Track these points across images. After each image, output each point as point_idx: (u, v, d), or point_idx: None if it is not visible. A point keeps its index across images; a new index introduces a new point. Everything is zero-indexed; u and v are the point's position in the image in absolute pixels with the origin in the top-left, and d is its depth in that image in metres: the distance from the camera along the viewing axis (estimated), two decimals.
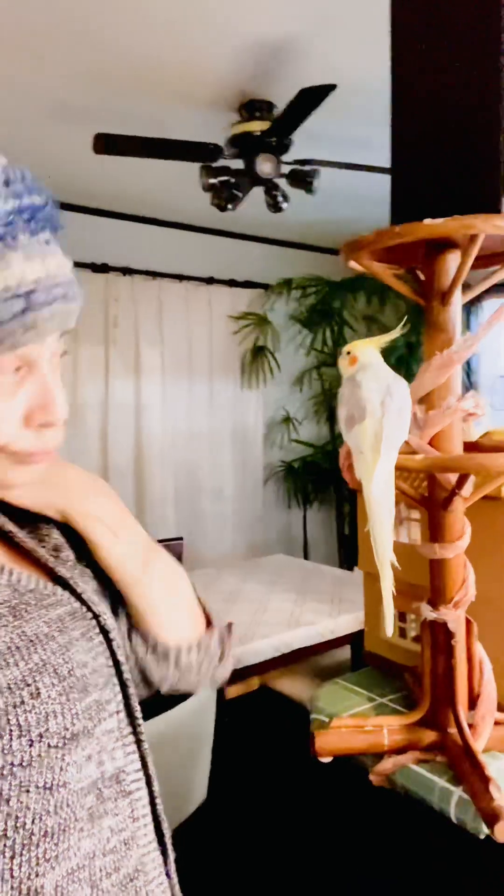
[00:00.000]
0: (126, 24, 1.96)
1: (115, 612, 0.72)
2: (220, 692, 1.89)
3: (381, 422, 0.76)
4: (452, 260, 0.84)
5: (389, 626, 0.80)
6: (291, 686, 2.58)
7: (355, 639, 2.49)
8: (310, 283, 4.13)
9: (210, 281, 4.01)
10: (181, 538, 3.23)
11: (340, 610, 2.54)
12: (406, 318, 0.86)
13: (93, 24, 1.95)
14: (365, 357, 0.81)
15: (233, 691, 2.40)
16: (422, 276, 0.90)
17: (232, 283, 4.10)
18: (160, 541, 0.74)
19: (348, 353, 0.82)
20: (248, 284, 4.16)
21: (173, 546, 3.28)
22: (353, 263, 0.89)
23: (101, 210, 3.57)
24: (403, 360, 3.66)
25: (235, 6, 1.90)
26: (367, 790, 1.01)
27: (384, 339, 0.80)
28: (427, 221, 0.77)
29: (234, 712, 2.32)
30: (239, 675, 2.23)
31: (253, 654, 2.23)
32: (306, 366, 4.37)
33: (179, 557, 3.26)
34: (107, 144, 2.35)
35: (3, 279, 0.49)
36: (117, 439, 3.73)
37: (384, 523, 0.77)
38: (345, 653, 2.73)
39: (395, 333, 0.80)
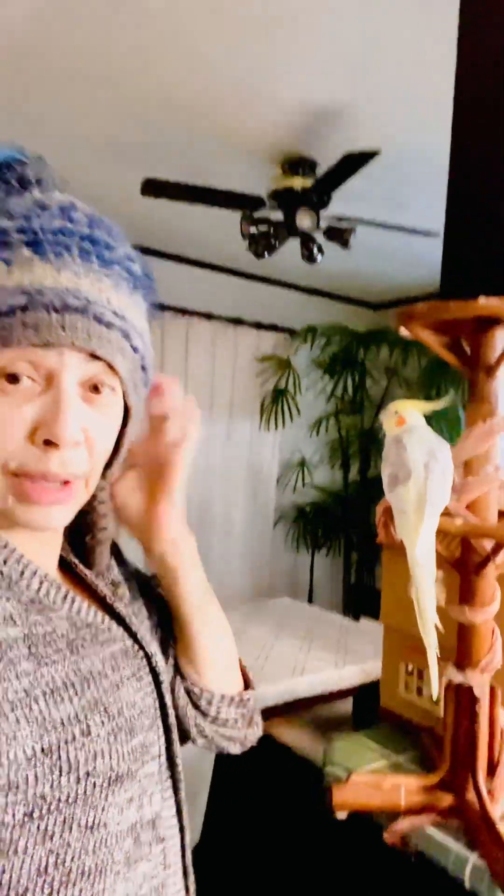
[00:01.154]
0: (181, 75, 2.06)
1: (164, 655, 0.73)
2: None
3: (426, 484, 0.79)
4: (500, 336, 0.88)
5: (435, 690, 0.80)
6: (292, 736, 2.54)
7: (359, 692, 2.46)
8: (334, 332, 4.21)
9: (237, 322, 4.10)
10: None
11: (346, 660, 2.52)
12: (454, 389, 0.88)
13: (147, 72, 2.05)
14: (412, 419, 0.84)
15: None
16: (467, 348, 0.94)
17: (259, 325, 4.19)
18: None
19: (396, 412, 0.85)
20: (274, 328, 4.25)
21: None
22: (403, 330, 0.93)
23: (136, 246, 3.66)
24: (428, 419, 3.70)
25: (289, 68, 2.00)
26: (370, 849, 1.00)
27: (432, 406, 0.84)
28: (482, 301, 0.81)
29: (232, 757, 2.29)
30: None
31: (256, 700, 2.21)
32: (325, 412, 4.42)
33: None
34: (155, 189, 2.45)
35: (19, 279, 0.49)
36: None
37: (428, 585, 0.79)
38: (346, 705, 2.69)
39: (444, 403, 0.83)
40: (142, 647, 0.64)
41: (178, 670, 0.73)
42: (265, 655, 2.54)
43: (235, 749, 0.82)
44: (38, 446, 0.51)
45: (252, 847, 2.25)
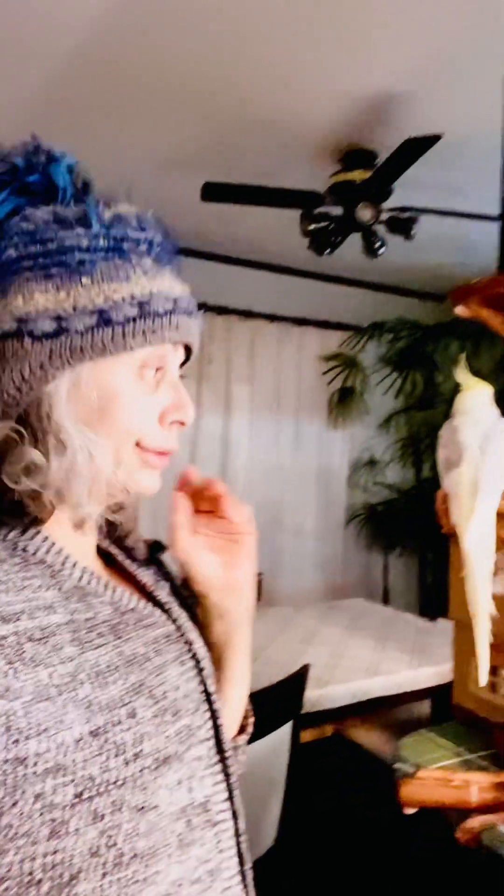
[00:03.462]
0: (238, 80, 2.08)
1: None
2: (296, 737, 1.86)
3: (480, 468, 0.75)
4: None
5: (483, 677, 0.78)
6: (367, 737, 2.51)
7: (437, 693, 2.39)
8: (401, 327, 4.13)
9: (302, 322, 4.08)
10: (261, 573, 3.24)
11: (421, 661, 2.46)
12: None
13: (203, 76, 2.08)
14: (464, 401, 0.81)
15: (306, 736, 2.36)
16: None
17: (324, 324, 4.16)
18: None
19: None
20: (339, 326, 4.21)
21: None
22: (459, 308, 0.90)
23: (200, 252, 3.73)
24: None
25: (343, 61, 1.98)
26: (443, 848, 0.97)
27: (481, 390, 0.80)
28: None
29: (307, 758, 2.28)
30: (313, 719, 2.18)
31: (329, 699, 2.18)
32: (394, 408, 4.34)
33: (258, 593, 3.27)
34: (214, 192, 2.48)
35: (127, 289, 0.56)
36: (204, 472, 3.80)
37: (481, 571, 0.76)
38: (423, 708, 2.62)
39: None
40: (182, 634, 0.65)
41: None
42: (339, 654, 2.51)
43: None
44: (165, 427, 0.60)
45: (326, 847, 2.23)
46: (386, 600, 4.26)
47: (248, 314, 3.89)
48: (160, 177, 2.80)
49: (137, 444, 0.60)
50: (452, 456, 0.77)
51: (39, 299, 0.54)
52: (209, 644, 0.69)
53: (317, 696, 2.14)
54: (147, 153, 2.60)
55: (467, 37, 1.82)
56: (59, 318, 0.54)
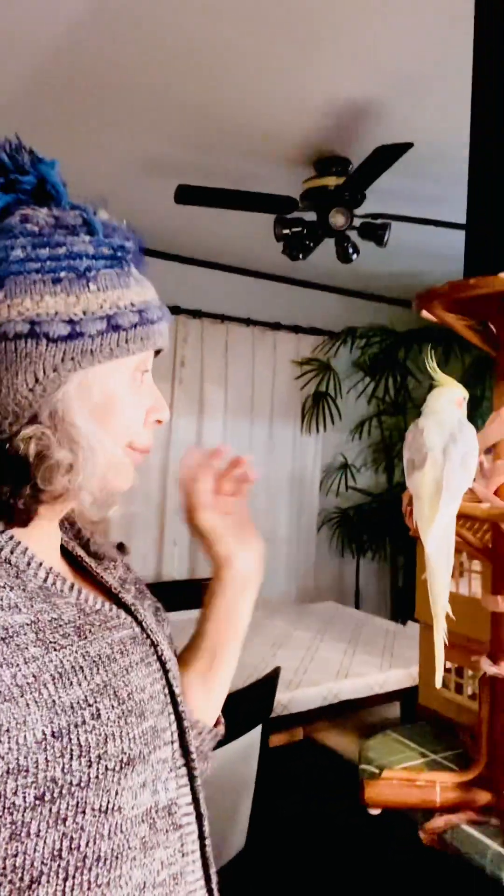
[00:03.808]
0: (213, 85, 2.09)
1: None
2: (266, 740, 1.85)
3: (442, 470, 0.76)
4: None
5: (439, 678, 0.79)
6: (337, 740, 2.52)
7: (406, 696, 2.41)
8: (374, 333, 4.17)
9: (276, 326, 4.10)
10: None
11: (392, 664, 2.47)
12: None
13: (176, 82, 2.08)
14: (431, 402, 0.82)
15: (276, 740, 2.35)
16: (493, 329, 0.92)
17: (297, 329, 4.18)
18: (211, 579, 0.79)
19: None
20: (313, 331, 4.24)
21: None
22: (425, 313, 0.91)
23: (175, 255, 3.73)
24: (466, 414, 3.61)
25: (317, 69, 2.00)
26: (413, 848, 0.97)
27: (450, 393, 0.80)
28: (502, 275, 0.79)
29: (276, 762, 2.28)
30: (284, 722, 2.19)
31: (299, 703, 2.19)
32: (367, 414, 4.37)
33: None
34: (188, 195, 2.47)
35: (128, 296, 0.58)
36: (177, 476, 3.80)
37: (441, 573, 0.76)
38: (393, 710, 2.64)
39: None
40: (149, 636, 0.65)
41: None
42: (310, 658, 2.52)
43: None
44: (148, 426, 0.64)
45: (297, 851, 2.23)
46: (357, 604, 4.29)
47: (222, 318, 3.89)
48: (136, 180, 2.79)
49: (128, 444, 0.63)
50: (416, 457, 0.77)
51: (49, 301, 0.55)
52: (212, 615, 0.76)
53: (287, 699, 2.14)
54: (123, 156, 2.59)
55: (437, 48, 1.85)
56: (71, 322, 0.55)
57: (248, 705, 1.73)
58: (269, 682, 1.82)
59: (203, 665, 0.75)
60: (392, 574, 4.35)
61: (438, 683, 0.79)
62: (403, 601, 4.15)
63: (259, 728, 1.81)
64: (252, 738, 1.79)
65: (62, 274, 0.55)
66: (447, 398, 0.81)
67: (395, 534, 4.23)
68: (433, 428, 0.77)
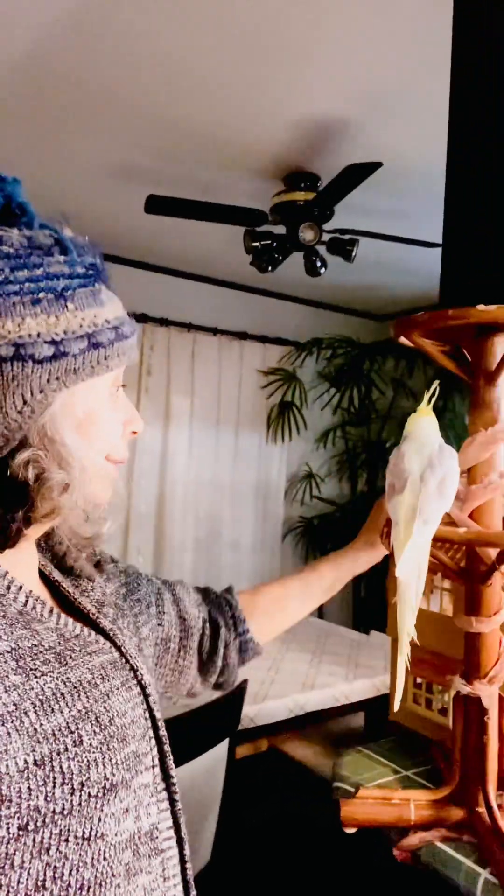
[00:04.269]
0: (185, 97, 2.09)
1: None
2: (232, 754, 1.85)
3: (419, 496, 0.77)
4: (500, 342, 0.88)
5: (397, 701, 0.81)
6: (301, 750, 2.52)
7: (370, 706, 2.44)
8: (340, 344, 4.22)
9: (243, 336, 4.11)
10: None
11: (357, 674, 2.50)
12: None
13: (147, 93, 2.08)
14: (411, 426, 0.83)
15: (241, 751, 2.35)
16: (468, 356, 0.94)
17: (264, 339, 4.21)
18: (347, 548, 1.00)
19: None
20: (279, 341, 4.26)
21: None
22: (402, 339, 0.93)
23: (143, 263, 3.71)
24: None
25: (290, 85, 2.02)
26: (380, 865, 0.99)
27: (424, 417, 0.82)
28: (480, 307, 0.81)
29: (241, 773, 2.27)
30: (250, 735, 2.19)
31: (266, 715, 2.19)
32: (331, 424, 4.42)
33: None
34: (158, 206, 2.47)
35: (104, 314, 0.59)
36: (142, 484, 3.77)
37: (409, 598, 0.78)
38: (357, 720, 2.66)
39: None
40: (128, 661, 0.65)
41: (237, 625, 0.89)
42: (276, 669, 2.52)
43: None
44: (124, 438, 0.67)
45: (263, 863, 2.22)
46: (320, 613, 4.32)
47: (189, 326, 3.89)
48: (106, 188, 2.77)
49: (106, 457, 0.64)
50: (397, 482, 0.79)
51: (31, 323, 0.54)
52: (335, 564, 1.00)
53: (254, 713, 2.14)
54: (93, 164, 2.57)
55: (406, 69, 1.89)
56: (55, 342, 0.55)
57: (216, 719, 1.73)
58: (236, 696, 1.82)
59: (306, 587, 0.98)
60: (355, 584, 4.39)
61: (396, 706, 0.80)
62: (366, 611, 4.20)
63: (226, 742, 1.81)
64: (219, 752, 1.79)
65: (41, 295, 0.55)
66: (426, 422, 0.83)
67: None
68: (413, 453, 0.79)
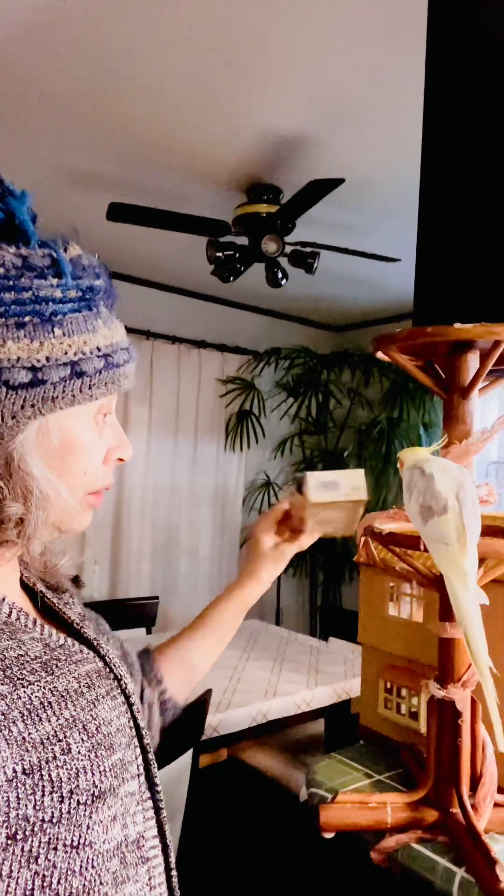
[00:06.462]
0: (148, 105, 2.10)
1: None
2: (196, 764, 1.85)
3: (461, 515, 0.77)
4: (473, 359, 0.91)
5: (500, 741, 0.70)
6: (260, 758, 2.53)
7: (331, 712, 2.46)
8: (298, 354, 4.27)
9: (202, 344, 4.12)
10: (157, 598, 3.20)
11: (318, 681, 2.53)
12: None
13: (113, 103, 2.08)
14: (417, 454, 0.84)
15: (202, 761, 2.34)
16: (441, 371, 0.98)
17: (223, 347, 4.23)
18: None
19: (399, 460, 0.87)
20: (238, 350, 4.29)
21: (148, 605, 3.23)
22: (380, 354, 0.96)
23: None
24: (384, 435, 3.77)
25: (254, 99, 2.05)
26: (356, 868, 1.00)
27: (429, 449, 0.85)
28: (457, 326, 0.84)
29: (206, 782, 2.26)
30: (210, 745, 2.18)
31: (229, 724, 2.19)
32: (289, 432, 4.46)
33: (153, 617, 3.22)
34: (120, 213, 2.46)
35: (95, 341, 0.58)
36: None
37: (479, 621, 0.75)
38: (317, 727, 2.69)
39: (437, 447, 0.85)
40: (112, 670, 0.66)
41: (158, 684, 0.85)
42: (237, 677, 2.52)
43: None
44: (108, 465, 0.65)
45: (227, 871, 2.22)
46: (278, 621, 4.34)
47: (147, 334, 3.88)
48: (66, 193, 2.75)
49: (86, 489, 0.63)
50: (434, 505, 0.78)
51: (11, 347, 0.53)
52: (225, 627, 0.95)
53: (217, 722, 2.14)
54: (53, 169, 2.54)
55: (370, 86, 1.95)
56: (33, 369, 0.54)
57: (181, 730, 1.72)
58: (200, 706, 1.82)
59: (194, 642, 0.91)
60: (311, 591, 4.43)
61: (501, 747, 0.70)
62: (323, 618, 4.24)
63: (190, 752, 1.80)
64: (183, 763, 1.78)
65: (26, 318, 0.54)
66: (427, 451, 0.85)
67: (315, 551, 4.33)
68: (441, 475, 0.79)
